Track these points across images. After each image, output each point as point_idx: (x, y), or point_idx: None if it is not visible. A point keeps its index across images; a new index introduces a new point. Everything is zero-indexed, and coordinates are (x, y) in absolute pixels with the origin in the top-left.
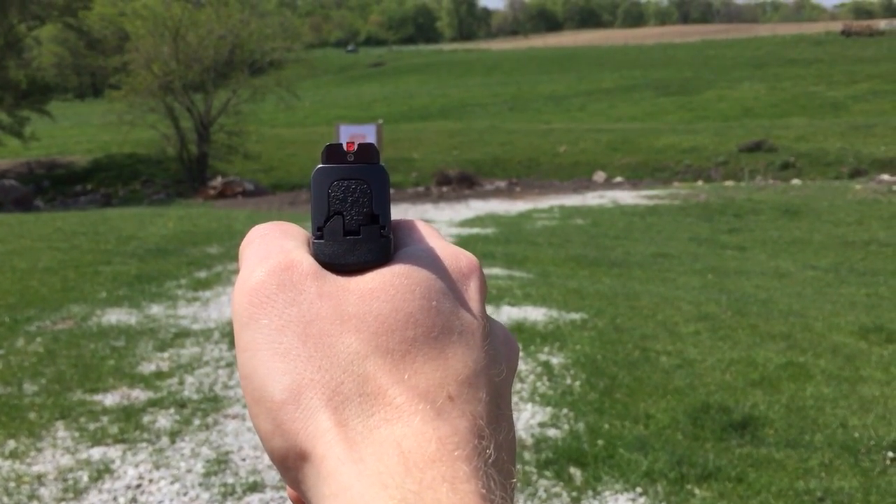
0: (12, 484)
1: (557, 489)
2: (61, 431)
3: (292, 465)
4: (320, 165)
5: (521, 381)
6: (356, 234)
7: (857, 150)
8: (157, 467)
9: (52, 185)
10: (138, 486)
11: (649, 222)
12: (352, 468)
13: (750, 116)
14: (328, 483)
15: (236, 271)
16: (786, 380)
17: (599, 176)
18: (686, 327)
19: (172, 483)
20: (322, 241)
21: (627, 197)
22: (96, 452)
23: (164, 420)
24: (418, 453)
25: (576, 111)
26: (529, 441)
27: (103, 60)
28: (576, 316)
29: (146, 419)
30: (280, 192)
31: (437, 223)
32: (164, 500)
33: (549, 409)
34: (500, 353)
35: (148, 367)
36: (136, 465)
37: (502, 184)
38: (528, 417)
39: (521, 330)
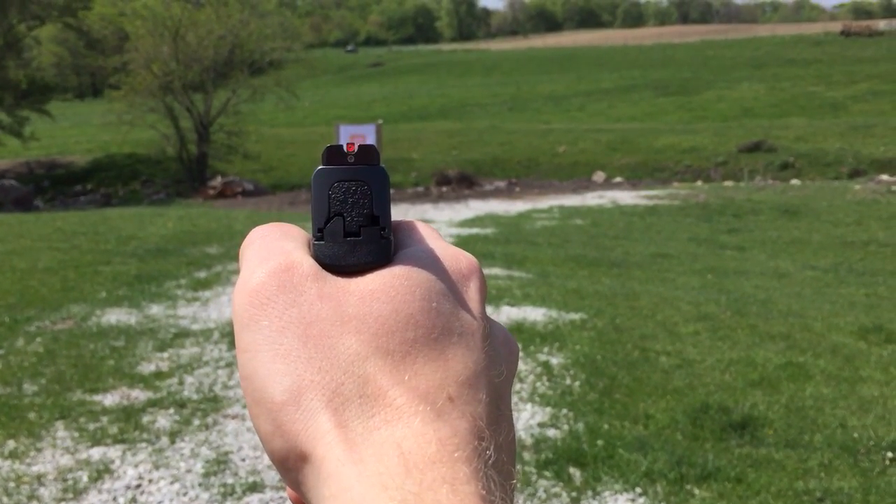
0: (12, 484)
1: (557, 489)
2: (61, 431)
3: (292, 466)
4: (321, 167)
5: (521, 381)
6: (356, 235)
7: (856, 150)
8: (157, 467)
9: (52, 185)
10: (138, 486)
11: (649, 222)
12: (352, 469)
13: (749, 117)
14: (328, 484)
15: (236, 271)
16: (785, 380)
17: (599, 176)
18: (685, 327)
19: (172, 483)
20: (322, 242)
21: (627, 197)
22: (96, 452)
23: (163, 420)
24: (418, 454)
25: (575, 111)
26: (529, 441)
27: (103, 60)
28: (575, 316)
29: (146, 419)
30: (280, 192)
31: (436, 223)
32: (163, 500)
33: (548, 410)
34: (500, 354)
35: (148, 368)
36: (136, 466)
37: (502, 184)
38: (527, 417)
39: (521, 330)
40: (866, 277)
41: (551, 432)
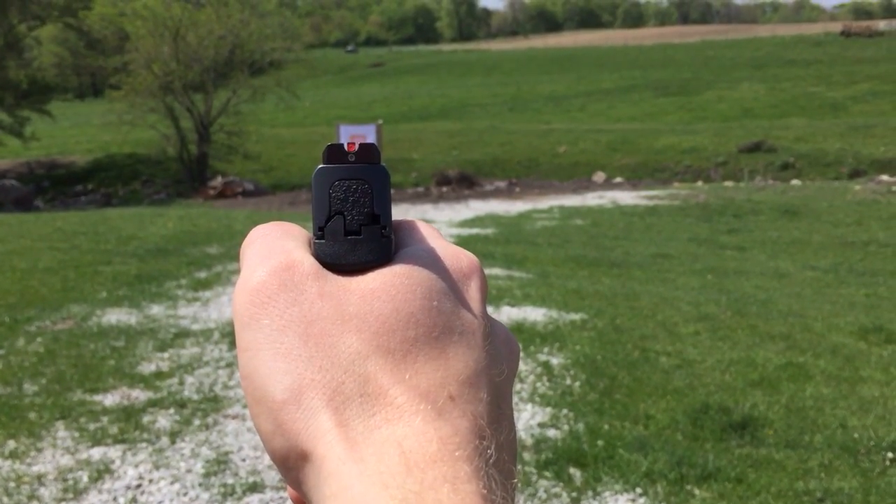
0: (12, 484)
1: (557, 489)
2: (61, 431)
3: (293, 465)
4: (321, 165)
5: (521, 381)
6: (357, 234)
7: (856, 150)
8: (157, 467)
9: (53, 185)
10: (138, 486)
11: (649, 223)
12: (353, 468)
13: (749, 117)
14: (329, 483)
15: (236, 271)
16: (785, 380)
17: (599, 176)
18: (686, 328)
19: (172, 483)
20: (323, 241)
21: (627, 197)
22: (96, 452)
23: (164, 420)
24: (419, 453)
25: (575, 111)
26: (529, 441)
27: (103, 60)
28: (575, 316)
29: (146, 419)
30: (280, 192)
31: (436, 223)
32: (163, 500)
33: (548, 410)
34: (500, 353)
35: (148, 368)
36: (136, 466)
37: (502, 184)
38: (527, 418)
39: (521, 330)
40: (866, 278)
41: (551, 432)
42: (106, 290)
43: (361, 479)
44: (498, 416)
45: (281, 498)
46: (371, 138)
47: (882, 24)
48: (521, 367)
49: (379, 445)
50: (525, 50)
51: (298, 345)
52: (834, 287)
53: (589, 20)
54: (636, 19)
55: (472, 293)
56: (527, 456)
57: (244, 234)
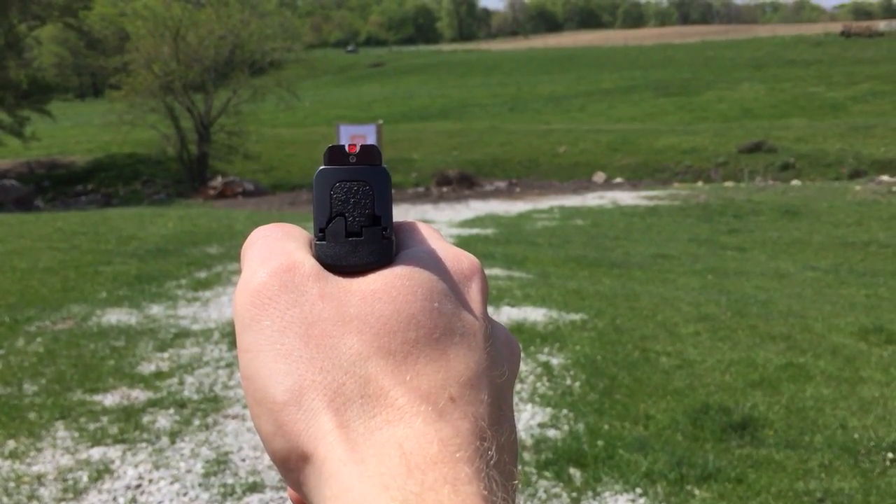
0: (12, 484)
1: (557, 490)
2: (61, 431)
3: (294, 466)
4: (322, 167)
5: (521, 381)
6: (358, 235)
7: (856, 150)
8: (157, 467)
9: (53, 185)
10: (138, 486)
11: (649, 223)
12: (353, 469)
13: (749, 117)
14: (329, 484)
15: (236, 271)
16: (785, 381)
17: (599, 176)
18: (686, 328)
19: (172, 483)
20: (324, 242)
21: (627, 197)
22: (96, 452)
23: (163, 420)
24: (420, 455)
25: (575, 112)
26: (529, 442)
27: (104, 60)
28: (576, 316)
29: (146, 419)
30: (280, 193)
31: (436, 223)
32: (163, 500)
33: (548, 410)
34: (501, 354)
35: (148, 368)
36: (136, 466)
37: (502, 184)
38: (527, 418)
39: (521, 330)
40: (867, 278)
41: (551, 433)
42: (106, 291)
43: (362, 480)
44: (499, 417)
45: (281, 498)
46: (371, 138)
47: (882, 25)
48: (522, 367)
49: (380, 447)
50: (525, 50)
51: (299, 346)
52: (834, 287)
53: (589, 20)
54: (636, 19)
55: (473, 295)
56: (527, 456)
57: (244, 235)
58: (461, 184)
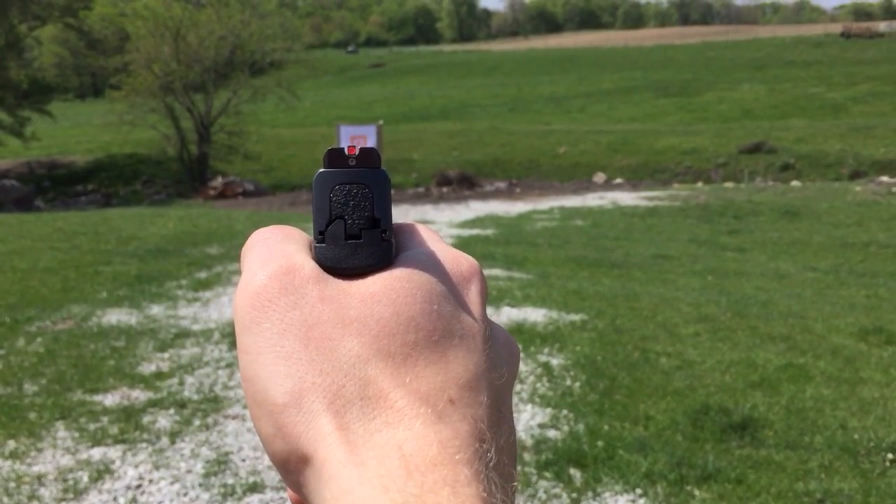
0: (12, 484)
1: (557, 490)
2: (61, 432)
3: (294, 468)
4: (322, 170)
5: (521, 382)
6: (358, 237)
7: (856, 151)
8: (157, 468)
9: (53, 185)
10: (138, 486)
11: (649, 223)
12: (353, 471)
13: (750, 118)
14: (329, 486)
15: (237, 272)
16: (785, 381)
17: (599, 177)
18: (686, 328)
19: (172, 483)
20: (324, 244)
21: (627, 198)
22: (96, 453)
23: (164, 420)
24: (419, 457)
25: (576, 112)
26: (529, 442)
27: (104, 61)
28: (576, 317)
29: (146, 419)
30: (280, 193)
31: (436, 224)
32: (163, 500)
33: (548, 411)
34: (500, 356)
35: (148, 368)
36: (136, 466)
37: (502, 185)
38: (527, 418)
39: (521, 331)
40: (867, 279)
41: (551, 433)
42: (106, 291)
43: (362, 482)
44: (498, 419)
45: (281, 499)
46: (371, 139)
47: (882, 26)
48: (522, 367)
49: (379, 449)
50: (525, 51)
51: (299, 348)
52: (834, 288)
53: (589, 21)
54: (636, 20)
55: (473, 297)
56: (527, 456)
57: (244, 235)
58: (461, 184)
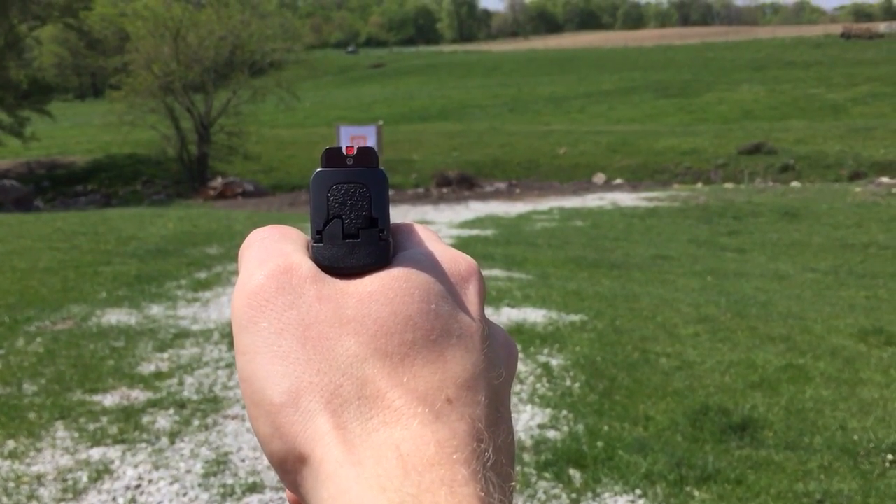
0: (11, 484)
1: (557, 491)
2: (61, 432)
3: (291, 467)
4: (319, 169)
5: (521, 382)
6: (355, 237)
7: (856, 152)
8: (157, 468)
9: (53, 186)
10: (137, 486)
11: (649, 224)
12: (350, 471)
13: (749, 119)
14: (327, 486)
15: (236, 272)
16: (785, 382)
17: (599, 178)
18: (685, 329)
19: (172, 484)
20: (321, 244)
21: (627, 199)
22: (96, 453)
23: (163, 421)
24: (417, 456)
25: (575, 113)
26: (529, 442)
27: (104, 61)
28: (575, 317)
29: (146, 420)
30: (280, 193)
31: (436, 224)
32: (163, 500)
33: (548, 411)
34: (499, 356)
35: (148, 368)
36: (136, 466)
37: (502, 185)
38: (527, 419)
39: (521, 331)
40: (866, 280)
41: (551, 433)
42: (106, 291)
43: (359, 481)
44: (496, 419)
45: (280, 499)
46: (371, 139)
47: (882, 27)
48: (521, 368)
49: (377, 448)
50: (525, 51)
51: (296, 348)
52: (834, 289)
53: (589, 21)
54: (636, 21)
55: (471, 296)
56: (526, 457)
57: (244, 235)
58: (461, 185)
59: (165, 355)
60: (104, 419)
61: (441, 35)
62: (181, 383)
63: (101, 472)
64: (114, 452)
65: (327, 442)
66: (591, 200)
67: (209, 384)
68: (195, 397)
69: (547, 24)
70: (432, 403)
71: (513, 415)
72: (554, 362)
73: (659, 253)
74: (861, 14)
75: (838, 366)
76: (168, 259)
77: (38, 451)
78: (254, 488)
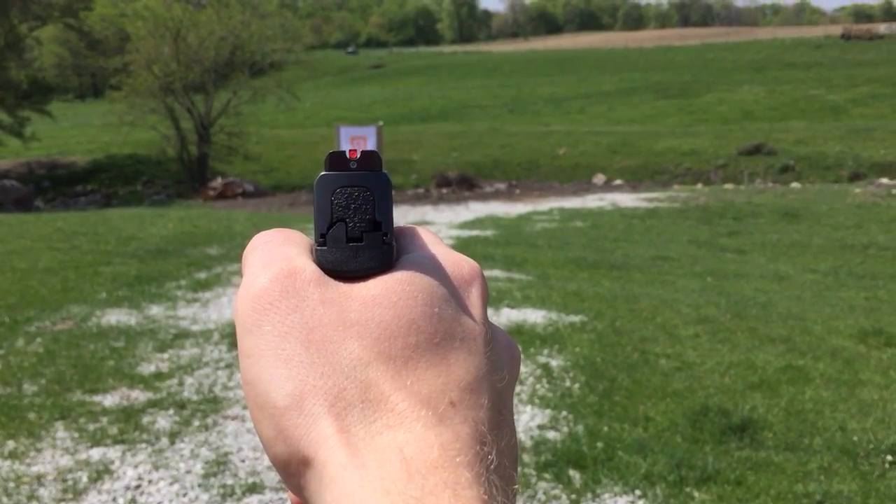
0: (11, 484)
1: (556, 491)
2: (61, 432)
3: (295, 471)
4: (323, 172)
5: (521, 383)
6: (359, 240)
7: (856, 153)
8: (157, 468)
9: (53, 186)
10: (137, 486)
11: (649, 225)
12: (354, 474)
13: (749, 119)
14: (330, 489)
15: (236, 272)
16: (785, 383)
17: (599, 178)
18: (685, 330)
19: (172, 484)
20: (325, 247)
21: (627, 199)
22: (96, 453)
23: (163, 421)
24: (420, 459)
25: (575, 113)
26: (529, 443)
27: (104, 61)
28: (575, 318)
29: (146, 420)
30: (280, 193)
31: (436, 225)
32: (163, 500)
33: (548, 412)
34: (501, 359)
35: (147, 368)
36: (136, 466)
37: (502, 186)
38: (527, 420)
39: (521, 332)
40: (866, 281)
41: (551, 434)
42: (106, 291)
43: (363, 485)
44: (499, 421)
45: (280, 499)
46: (371, 140)
47: (882, 27)
48: (521, 369)
49: (380, 451)
50: (525, 52)
51: (300, 351)
52: (833, 290)
53: (589, 22)
54: (636, 21)
55: (474, 299)
56: (526, 458)
57: (244, 236)
58: (461, 185)
59: (165, 356)
60: (104, 419)
61: (441, 36)
62: (181, 384)
63: (101, 472)
64: (114, 453)
65: (331, 445)
66: (591, 201)
67: (209, 384)
68: (195, 398)
69: (547, 24)
70: (436, 406)
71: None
72: (554, 363)
73: (659, 254)
74: (861, 15)
75: (838, 367)
76: (168, 259)
77: (38, 451)
78: (254, 489)
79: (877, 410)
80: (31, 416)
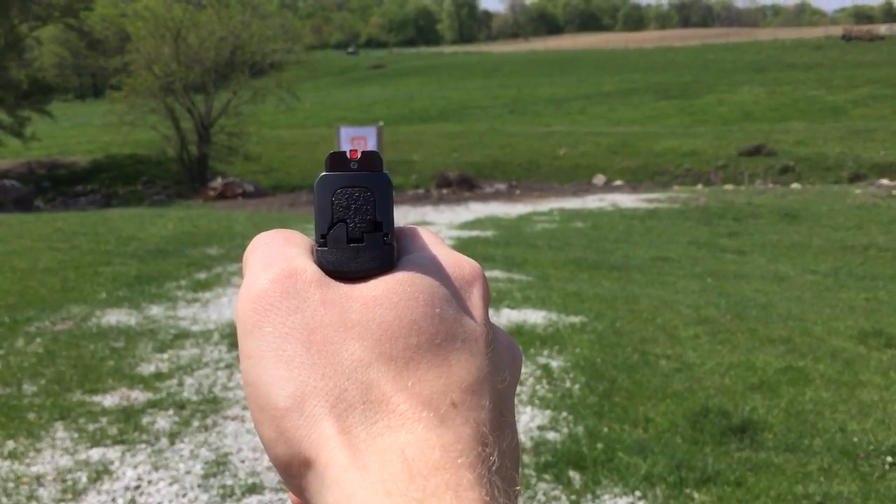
0: (11, 484)
1: (556, 492)
2: (60, 432)
3: (296, 472)
4: (324, 173)
5: (521, 384)
6: (359, 241)
7: (856, 154)
8: (156, 468)
9: (53, 186)
10: (137, 487)
11: (649, 226)
12: (355, 475)
13: (750, 120)
14: (332, 490)
15: (236, 272)
16: (785, 384)
17: (599, 179)
18: (685, 331)
19: (171, 484)
20: (325, 248)
21: (627, 200)
22: (95, 453)
23: (163, 421)
24: (422, 461)
25: (576, 114)
26: (529, 444)
27: (104, 61)
28: (575, 319)
29: (145, 420)
30: (280, 194)
31: (436, 225)
32: (162, 501)
33: (548, 413)
34: (503, 360)
35: (147, 369)
36: (135, 467)
37: (502, 186)
38: (527, 420)
39: (521, 333)
40: (866, 282)
41: (551, 435)
42: (106, 291)
43: (364, 486)
44: (500, 423)
45: (280, 500)
46: (371, 140)
47: (883, 28)
48: (521, 369)
49: (382, 453)
50: (526, 52)
51: (301, 352)
52: (834, 291)
53: (589, 23)
54: (637, 22)
55: (475, 300)
56: (526, 458)
57: (244, 236)
58: (461, 186)
59: (165, 356)
60: (104, 420)
61: (441, 36)
62: (181, 384)
63: (101, 472)
64: (113, 453)
65: (332, 446)
66: (591, 202)
67: (209, 385)
68: (195, 398)
69: (547, 25)
70: (437, 408)
71: None
72: (554, 364)
73: (659, 254)
74: (861, 16)
75: (838, 368)
76: (168, 259)
77: (38, 451)
78: (253, 489)
79: (877, 411)
80: (31, 416)
